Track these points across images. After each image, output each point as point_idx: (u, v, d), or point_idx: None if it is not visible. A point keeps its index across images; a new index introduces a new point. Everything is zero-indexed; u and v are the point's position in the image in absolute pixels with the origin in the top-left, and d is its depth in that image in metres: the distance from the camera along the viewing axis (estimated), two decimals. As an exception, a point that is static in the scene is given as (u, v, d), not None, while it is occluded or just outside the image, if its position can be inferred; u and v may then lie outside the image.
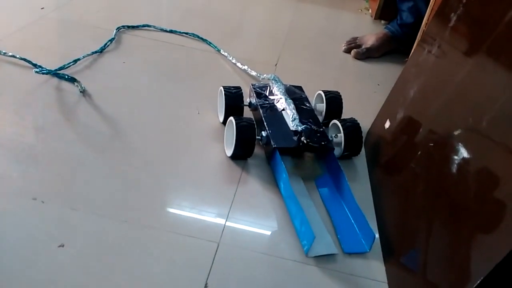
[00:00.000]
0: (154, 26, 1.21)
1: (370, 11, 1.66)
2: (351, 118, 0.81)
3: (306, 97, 0.89)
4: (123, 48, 1.10)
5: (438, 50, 0.70)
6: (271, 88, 0.88)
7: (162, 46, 1.15)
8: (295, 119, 0.78)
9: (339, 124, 0.80)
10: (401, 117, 0.74)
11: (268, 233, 0.68)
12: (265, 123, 0.79)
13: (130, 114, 0.87)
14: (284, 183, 0.71)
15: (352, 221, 0.68)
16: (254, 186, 0.75)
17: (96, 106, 0.88)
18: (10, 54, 0.97)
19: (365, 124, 0.92)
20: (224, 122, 0.82)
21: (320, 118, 0.87)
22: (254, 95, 0.87)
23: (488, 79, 0.56)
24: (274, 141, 0.75)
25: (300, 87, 0.92)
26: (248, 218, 0.69)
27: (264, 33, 1.36)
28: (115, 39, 1.12)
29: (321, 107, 0.89)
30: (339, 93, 0.90)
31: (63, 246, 0.58)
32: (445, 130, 0.60)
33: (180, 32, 1.21)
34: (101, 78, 0.97)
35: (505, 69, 0.53)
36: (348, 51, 1.29)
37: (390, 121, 0.78)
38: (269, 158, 0.78)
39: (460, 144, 0.54)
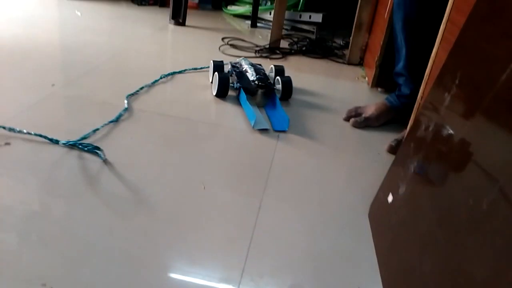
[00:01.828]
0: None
1: (366, 78, 1.73)
2: (287, 76, 1.45)
3: (262, 67, 1.50)
4: (136, 118, 1.14)
5: (434, 127, 0.73)
6: (240, 63, 1.51)
7: (172, 118, 1.19)
8: (252, 75, 1.41)
9: (280, 79, 1.43)
10: (403, 192, 0.76)
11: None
12: (236, 78, 1.41)
13: (149, 184, 0.89)
14: (242, 98, 1.33)
15: (278, 116, 1.28)
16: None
17: (119, 174, 0.90)
18: (25, 131, 1.00)
19: (368, 195, 0.94)
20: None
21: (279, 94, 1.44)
22: (230, 66, 1.49)
23: (488, 156, 0.58)
24: (240, 84, 1.37)
25: (260, 64, 1.52)
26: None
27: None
28: (128, 109, 1.17)
29: (279, 87, 1.44)
30: (289, 77, 1.46)
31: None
32: (446, 210, 0.62)
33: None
34: (120, 146, 1.00)
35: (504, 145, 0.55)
36: (347, 119, 1.33)
37: (392, 195, 0.79)
38: (238, 95, 1.38)
39: (461, 224, 0.56)
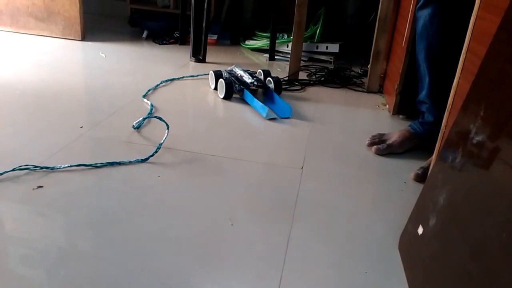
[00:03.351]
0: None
1: (387, 106, 1.73)
2: (276, 76, 1.79)
3: (254, 72, 1.80)
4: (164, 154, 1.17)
5: (462, 158, 0.73)
6: (234, 69, 1.77)
7: (198, 157, 1.21)
8: (249, 78, 1.69)
9: (271, 79, 1.75)
10: (433, 224, 0.75)
11: None
12: (236, 82, 1.67)
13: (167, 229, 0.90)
14: (248, 96, 1.62)
15: (281, 106, 1.57)
16: None
17: (146, 214, 0.91)
18: (62, 166, 1.04)
19: (397, 226, 0.93)
20: (216, 87, 1.73)
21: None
22: (226, 73, 1.74)
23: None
24: (242, 86, 1.66)
25: (248, 70, 1.79)
26: None
27: (285, 136, 1.42)
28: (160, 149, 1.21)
29: (272, 85, 1.75)
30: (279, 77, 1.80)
31: None
32: (478, 244, 0.61)
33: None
34: (147, 185, 1.02)
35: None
36: (371, 145, 1.33)
37: (422, 227, 0.79)
38: (241, 95, 1.67)
39: (495, 258, 0.55)
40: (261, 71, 1.83)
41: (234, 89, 1.67)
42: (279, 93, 1.75)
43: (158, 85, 1.77)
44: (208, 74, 1.82)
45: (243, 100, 1.67)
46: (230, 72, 1.76)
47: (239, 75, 1.75)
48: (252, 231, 0.92)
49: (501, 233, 0.56)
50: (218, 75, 1.74)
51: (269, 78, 1.77)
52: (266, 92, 1.69)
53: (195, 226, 0.92)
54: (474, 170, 0.70)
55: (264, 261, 0.84)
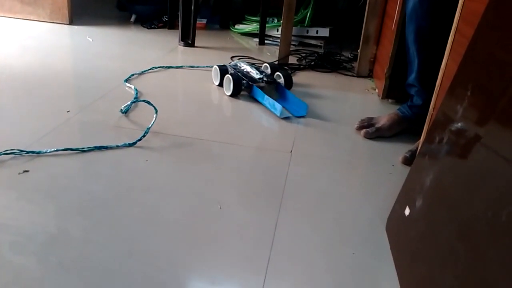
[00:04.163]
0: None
1: (377, 90, 1.73)
2: (286, 69, 1.77)
3: (260, 66, 1.70)
4: (154, 138, 1.16)
5: (449, 139, 0.73)
6: (238, 64, 1.66)
7: (188, 141, 1.20)
8: (257, 73, 1.57)
9: (280, 74, 1.63)
10: (420, 205, 0.76)
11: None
12: (243, 77, 1.54)
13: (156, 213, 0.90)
14: (258, 93, 1.49)
15: (296, 104, 1.47)
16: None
17: (135, 198, 0.91)
18: (48, 151, 1.02)
19: (385, 208, 0.94)
20: (220, 84, 1.61)
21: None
22: (231, 68, 1.62)
23: (505, 166, 0.58)
24: (251, 82, 1.52)
25: (254, 64, 1.70)
26: None
27: (274, 120, 1.41)
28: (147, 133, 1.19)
29: (282, 80, 1.62)
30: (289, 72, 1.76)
31: None
32: (465, 223, 0.61)
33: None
34: (135, 169, 1.01)
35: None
36: (360, 129, 1.33)
37: (409, 208, 0.79)
38: (249, 92, 1.55)
39: (481, 237, 0.55)
40: (267, 65, 1.69)
41: (242, 86, 1.54)
42: (289, 88, 1.61)
43: (146, 70, 1.74)
44: (208, 66, 1.76)
45: (251, 98, 1.54)
46: (235, 67, 1.63)
47: (245, 70, 1.60)
48: (240, 214, 0.92)
49: (487, 211, 0.56)
50: (223, 70, 1.60)
51: (278, 73, 1.63)
52: (277, 88, 1.57)
53: (183, 209, 0.92)
54: (460, 152, 0.70)
55: (252, 244, 0.84)
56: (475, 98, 0.69)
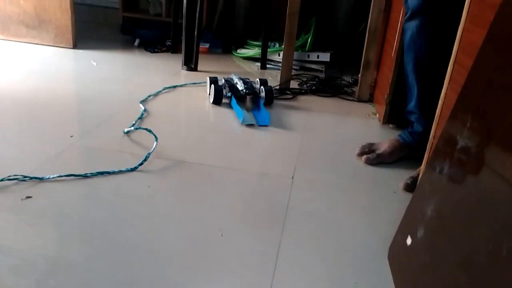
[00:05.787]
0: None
1: (377, 115, 1.74)
2: (269, 86, 1.83)
3: (249, 80, 1.85)
4: (154, 166, 1.16)
5: (449, 169, 0.74)
6: (231, 77, 1.88)
7: (189, 166, 1.21)
8: (241, 85, 1.76)
9: (263, 88, 1.79)
10: (421, 235, 0.76)
11: None
12: (228, 88, 1.76)
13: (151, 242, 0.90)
14: (233, 101, 1.68)
15: (261, 114, 1.60)
16: None
17: (134, 224, 0.91)
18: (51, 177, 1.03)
19: (386, 236, 0.93)
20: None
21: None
22: (224, 80, 1.82)
23: (505, 200, 0.58)
24: (232, 93, 1.72)
25: (248, 78, 1.87)
26: None
27: (276, 145, 1.42)
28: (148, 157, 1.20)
29: (263, 94, 1.79)
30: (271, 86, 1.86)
31: None
32: (467, 254, 0.62)
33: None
34: (137, 196, 1.02)
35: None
36: (361, 154, 1.34)
37: (411, 237, 0.79)
38: (230, 102, 1.72)
39: (483, 269, 0.55)
40: (259, 80, 1.87)
41: (225, 95, 1.74)
42: (270, 102, 1.78)
43: (159, 91, 1.81)
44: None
45: (230, 107, 1.72)
46: (227, 80, 1.84)
47: (234, 82, 1.83)
48: (242, 241, 0.92)
49: (488, 244, 0.57)
50: (213, 81, 1.81)
51: (261, 87, 1.81)
52: (254, 100, 1.73)
53: (184, 236, 0.92)
54: (461, 181, 0.70)
55: (254, 272, 0.84)
56: (476, 126, 0.70)
